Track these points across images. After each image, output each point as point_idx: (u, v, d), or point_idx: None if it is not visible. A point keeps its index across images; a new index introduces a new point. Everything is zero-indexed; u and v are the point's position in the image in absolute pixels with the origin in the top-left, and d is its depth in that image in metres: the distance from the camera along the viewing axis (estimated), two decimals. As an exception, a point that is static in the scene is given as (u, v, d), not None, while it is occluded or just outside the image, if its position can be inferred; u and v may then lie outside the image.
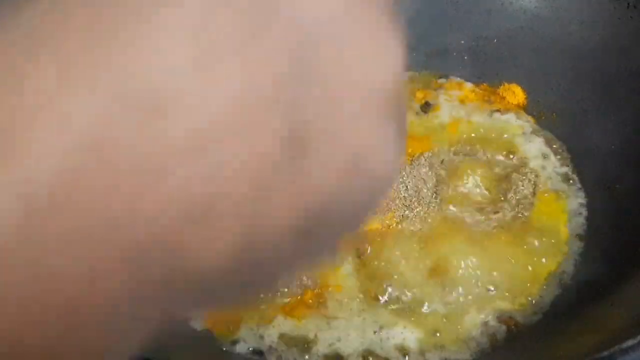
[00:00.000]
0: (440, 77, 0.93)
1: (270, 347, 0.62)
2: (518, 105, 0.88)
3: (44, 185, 0.17)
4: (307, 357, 0.62)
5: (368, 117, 0.22)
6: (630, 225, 0.70)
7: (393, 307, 0.66)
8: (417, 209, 0.73)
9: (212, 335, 0.64)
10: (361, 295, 0.66)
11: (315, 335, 0.63)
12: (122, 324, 0.19)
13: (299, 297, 0.66)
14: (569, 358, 0.55)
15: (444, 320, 0.65)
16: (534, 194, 0.75)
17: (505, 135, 0.83)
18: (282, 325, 0.64)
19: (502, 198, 0.74)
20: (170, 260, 0.19)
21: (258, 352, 0.63)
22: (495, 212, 0.73)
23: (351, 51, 0.21)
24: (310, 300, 0.65)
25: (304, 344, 0.63)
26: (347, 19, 0.21)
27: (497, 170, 0.78)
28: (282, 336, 0.63)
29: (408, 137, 0.83)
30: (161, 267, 0.19)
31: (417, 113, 0.86)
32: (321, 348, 0.62)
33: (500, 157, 0.80)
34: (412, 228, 0.71)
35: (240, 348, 0.63)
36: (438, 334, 0.64)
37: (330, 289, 0.66)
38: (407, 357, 0.62)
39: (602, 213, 0.73)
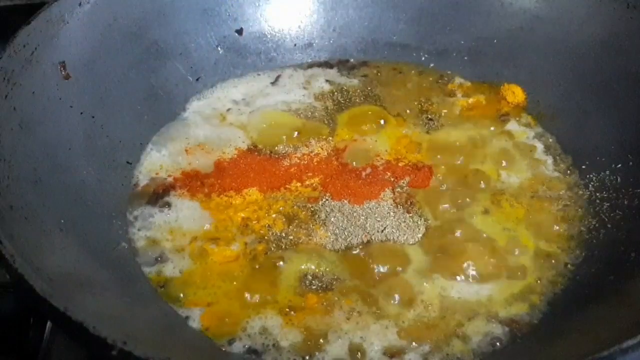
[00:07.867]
0: (441, 78, 0.93)
1: (266, 345, 0.63)
2: (518, 106, 0.88)
3: None
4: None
5: None
6: (630, 225, 0.70)
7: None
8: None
9: (210, 335, 0.64)
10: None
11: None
12: None
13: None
14: (569, 358, 0.55)
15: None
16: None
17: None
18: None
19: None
20: None
21: (253, 351, 0.63)
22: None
23: None
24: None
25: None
26: None
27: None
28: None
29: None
30: None
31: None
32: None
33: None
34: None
35: (237, 347, 0.63)
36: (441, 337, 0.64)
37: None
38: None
39: (602, 213, 0.73)
